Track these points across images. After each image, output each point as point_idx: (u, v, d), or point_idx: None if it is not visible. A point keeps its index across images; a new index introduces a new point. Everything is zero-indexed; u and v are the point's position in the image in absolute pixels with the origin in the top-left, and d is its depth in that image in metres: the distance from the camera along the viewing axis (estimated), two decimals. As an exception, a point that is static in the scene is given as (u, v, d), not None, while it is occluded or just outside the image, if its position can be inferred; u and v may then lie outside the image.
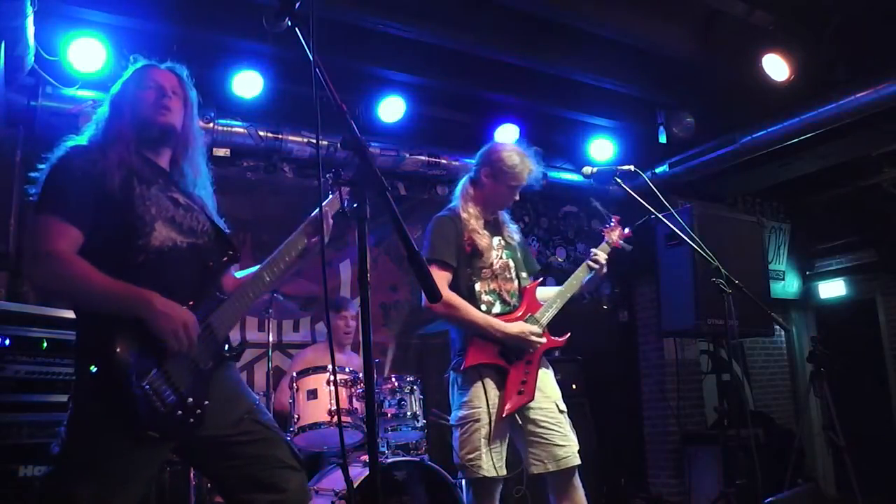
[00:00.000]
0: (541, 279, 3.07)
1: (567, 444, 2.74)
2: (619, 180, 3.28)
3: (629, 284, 6.38)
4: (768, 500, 3.41)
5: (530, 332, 2.77)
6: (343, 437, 1.68)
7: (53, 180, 1.91)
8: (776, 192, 6.80)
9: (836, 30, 4.33)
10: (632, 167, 3.28)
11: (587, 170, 3.33)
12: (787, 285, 7.16)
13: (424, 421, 3.76)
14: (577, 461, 2.73)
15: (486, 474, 2.65)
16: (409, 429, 3.65)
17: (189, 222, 2.02)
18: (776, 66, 4.44)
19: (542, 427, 2.75)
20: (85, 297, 1.83)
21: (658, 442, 5.97)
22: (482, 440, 2.66)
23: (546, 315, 2.88)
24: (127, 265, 1.84)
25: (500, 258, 2.93)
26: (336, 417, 3.38)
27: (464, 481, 3.75)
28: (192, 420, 1.83)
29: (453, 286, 2.80)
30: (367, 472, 3.09)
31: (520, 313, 2.87)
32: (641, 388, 6.20)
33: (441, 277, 2.74)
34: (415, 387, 3.72)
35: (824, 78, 4.57)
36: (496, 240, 2.96)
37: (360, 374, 3.64)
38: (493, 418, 2.68)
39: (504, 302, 2.89)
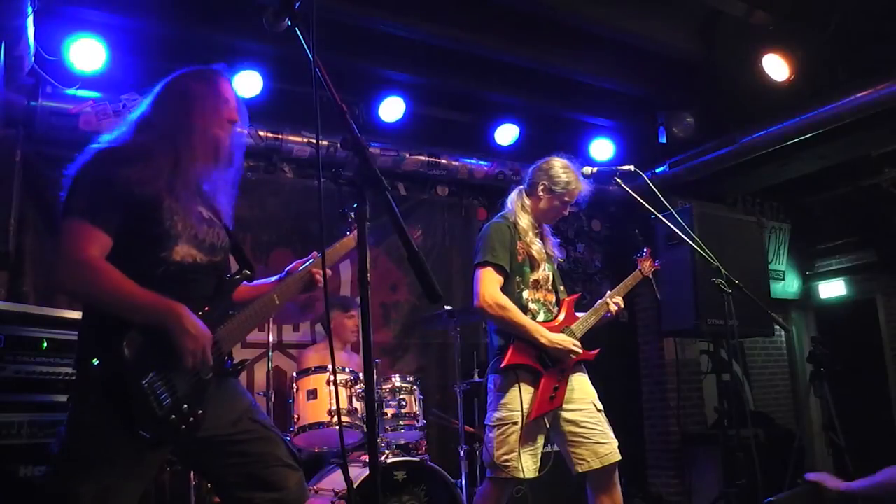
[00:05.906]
0: (579, 293, 3.17)
1: (608, 442, 2.85)
2: (619, 180, 3.29)
3: (629, 284, 6.37)
4: (768, 500, 3.40)
5: (572, 344, 2.86)
6: (343, 437, 1.68)
7: (84, 182, 1.85)
8: (776, 192, 6.79)
9: (836, 30, 4.33)
10: (632, 167, 3.29)
11: (587, 170, 3.34)
12: (787, 285, 7.15)
13: (424, 421, 3.77)
14: (619, 457, 2.85)
15: (520, 475, 2.73)
16: (410, 429, 3.66)
17: (211, 239, 2.01)
18: (776, 66, 4.44)
19: (583, 427, 2.85)
20: (114, 305, 1.78)
21: (658, 442, 5.96)
22: (518, 442, 2.74)
23: (582, 328, 2.98)
24: (145, 275, 1.81)
25: (544, 270, 3.03)
26: (336, 417, 3.39)
27: (463, 482, 3.76)
28: (184, 426, 1.82)
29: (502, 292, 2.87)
30: (367, 472, 3.09)
31: (557, 323, 2.96)
32: (641, 388, 6.19)
33: (494, 280, 2.84)
34: (415, 387, 3.74)
35: (824, 78, 4.57)
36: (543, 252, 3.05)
37: (361, 374, 3.64)
38: (525, 420, 2.75)
39: (548, 311, 2.99)
